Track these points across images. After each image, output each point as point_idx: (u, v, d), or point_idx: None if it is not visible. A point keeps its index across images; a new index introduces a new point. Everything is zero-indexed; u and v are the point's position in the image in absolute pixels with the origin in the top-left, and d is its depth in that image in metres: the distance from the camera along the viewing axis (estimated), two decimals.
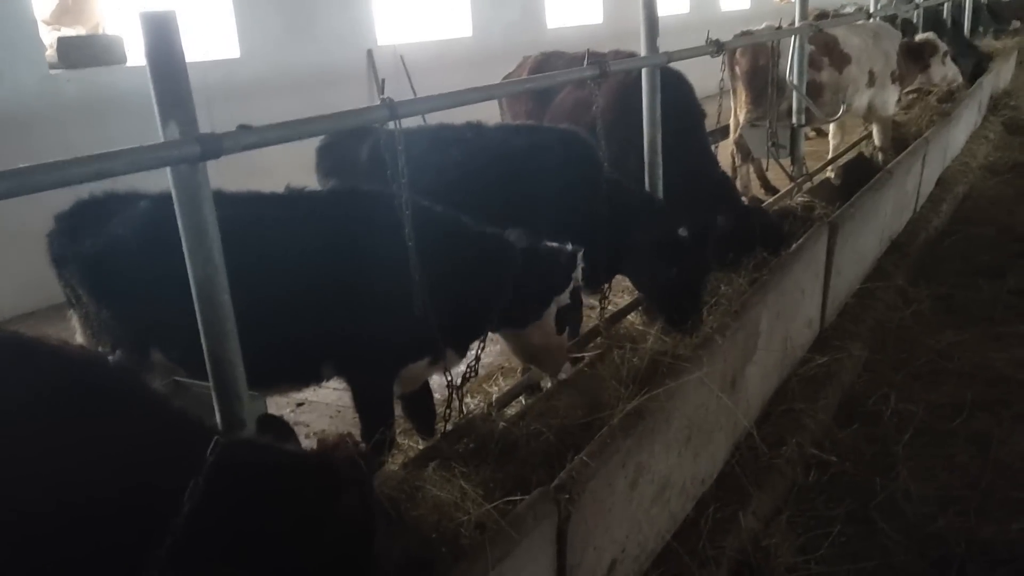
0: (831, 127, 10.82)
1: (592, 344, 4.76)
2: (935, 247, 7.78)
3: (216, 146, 2.62)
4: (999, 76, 14.21)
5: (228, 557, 2.54)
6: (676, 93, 5.51)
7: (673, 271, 4.34)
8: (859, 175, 8.16)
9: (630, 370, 3.82)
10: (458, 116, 5.04)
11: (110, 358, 2.53)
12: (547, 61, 6.65)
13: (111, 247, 3.57)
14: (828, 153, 10.71)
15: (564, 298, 3.97)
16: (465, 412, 4.06)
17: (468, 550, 2.59)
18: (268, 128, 2.85)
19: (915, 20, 13.39)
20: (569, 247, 3.99)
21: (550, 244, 3.99)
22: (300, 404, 5.84)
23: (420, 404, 4.24)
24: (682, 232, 4.30)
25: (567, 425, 3.53)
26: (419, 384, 4.14)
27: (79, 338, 3.84)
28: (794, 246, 5.08)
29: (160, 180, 2.81)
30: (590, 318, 5.10)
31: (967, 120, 11.28)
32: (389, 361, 3.82)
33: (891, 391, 5.02)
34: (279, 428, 2.75)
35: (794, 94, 8.61)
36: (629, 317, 5.20)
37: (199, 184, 2.69)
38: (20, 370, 2.28)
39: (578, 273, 4.00)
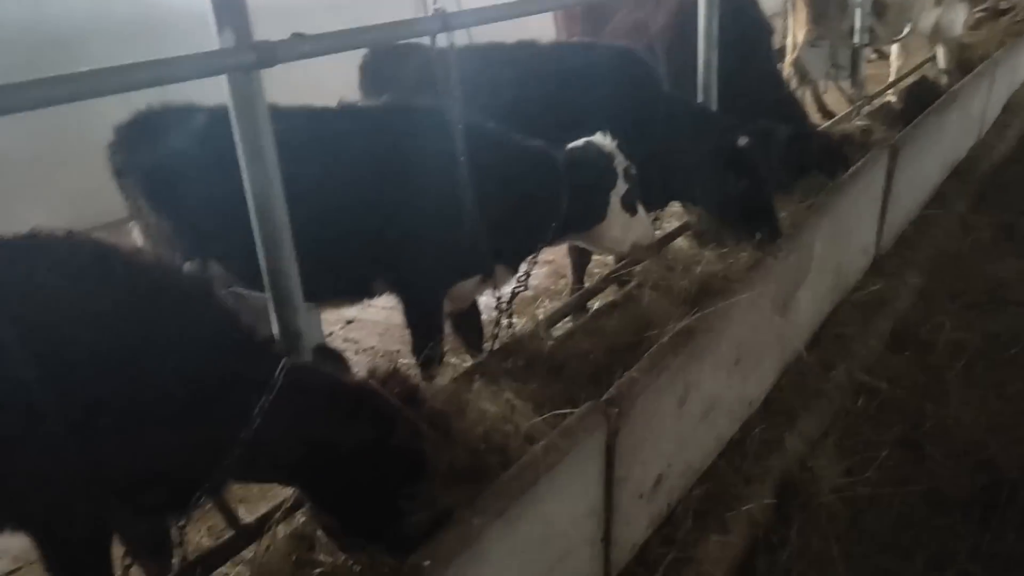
0: (894, 48, 10.36)
1: (640, 267, 4.73)
2: (999, 174, 7.51)
3: (271, 54, 2.60)
4: None
5: (287, 471, 2.66)
6: (740, 9, 5.31)
7: (741, 182, 4.25)
8: (922, 99, 7.82)
9: (680, 291, 3.80)
10: (511, 35, 4.97)
11: (185, 267, 2.59)
12: None
13: (170, 158, 3.61)
14: (889, 76, 10.29)
15: (620, 187, 3.97)
16: (513, 331, 4.09)
17: (517, 459, 2.64)
18: (322, 37, 2.82)
19: None
20: (596, 139, 3.97)
21: (581, 142, 3.96)
22: (349, 321, 5.95)
23: (469, 322, 4.28)
24: (743, 142, 4.19)
25: (616, 344, 3.54)
26: (468, 302, 4.18)
27: None
28: (852, 169, 4.94)
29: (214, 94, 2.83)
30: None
31: None
32: (439, 278, 3.86)
33: (946, 319, 4.92)
34: (334, 357, 2.82)
35: (857, 12, 8.22)
36: (678, 241, 5.15)
37: (254, 93, 2.69)
38: (102, 274, 2.35)
39: (619, 156, 3.98)
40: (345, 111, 3.88)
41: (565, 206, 3.84)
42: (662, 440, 3.11)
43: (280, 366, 2.49)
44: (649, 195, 4.51)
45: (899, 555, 3.32)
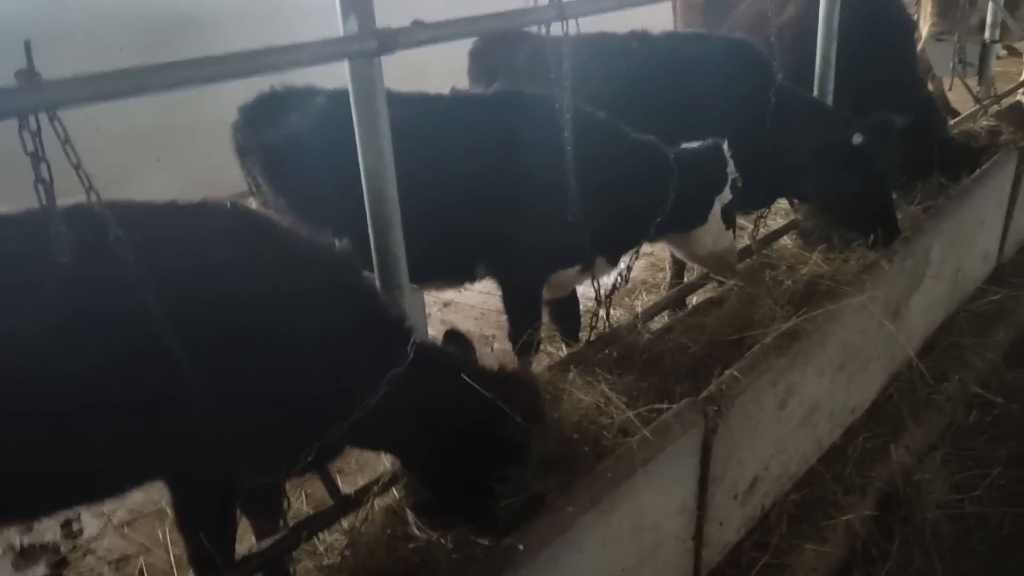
0: None
1: (743, 265, 4.63)
2: None
3: (392, 41, 2.67)
4: None
5: (397, 442, 2.76)
6: (879, 3, 5.11)
7: (856, 180, 4.12)
8: None
9: (785, 291, 3.70)
10: (626, 25, 4.93)
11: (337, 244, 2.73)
12: None
13: (289, 138, 3.75)
14: (1021, 75, 9.71)
15: (725, 195, 3.92)
16: (610, 323, 4.07)
17: (611, 451, 2.64)
18: (441, 25, 2.88)
19: None
20: (712, 141, 3.91)
21: (697, 144, 3.91)
22: (447, 304, 6.05)
23: (567, 311, 4.29)
24: (858, 139, 4.05)
25: (715, 341, 3.48)
26: (568, 291, 4.19)
27: None
28: (978, 172, 4.70)
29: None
30: (741, 239, 4.96)
31: None
32: (541, 265, 3.88)
33: None
34: (461, 340, 2.90)
35: (989, 6, 7.79)
36: (783, 239, 5.01)
37: (374, 78, 2.77)
38: (261, 242, 2.52)
39: (731, 167, 3.91)
40: (457, 98, 3.93)
41: (670, 203, 3.80)
42: (760, 442, 3.06)
43: (410, 343, 2.60)
44: (755, 192, 4.42)
45: None
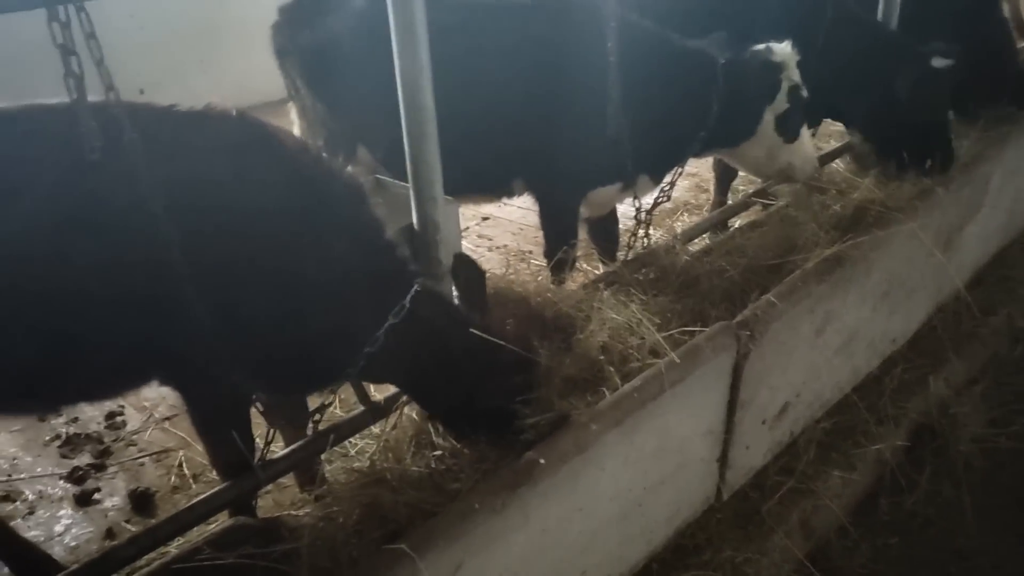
0: None
1: (790, 187, 4.49)
2: None
3: None
4: None
5: (401, 380, 2.76)
6: None
7: (916, 107, 3.91)
8: None
9: (832, 215, 3.58)
10: None
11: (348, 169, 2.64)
12: None
13: (328, 41, 3.67)
14: None
15: (780, 105, 3.70)
16: (649, 243, 4.00)
17: (638, 372, 2.61)
18: None
19: None
20: (773, 46, 3.68)
21: (750, 49, 3.67)
22: (486, 218, 6.02)
23: (605, 230, 4.22)
24: (939, 63, 3.82)
25: (754, 265, 3.40)
26: (607, 209, 4.11)
27: (295, 130, 4.06)
28: None
29: None
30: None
31: None
32: (580, 182, 3.79)
33: None
34: (470, 268, 2.84)
35: None
36: (835, 163, 4.82)
37: None
38: (263, 159, 2.43)
39: (793, 71, 3.70)
40: (498, 4, 3.79)
41: (715, 116, 3.64)
42: (793, 368, 3.01)
43: (413, 286, 2.56)
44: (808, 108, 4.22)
45: None
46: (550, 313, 3.00)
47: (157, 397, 4.11)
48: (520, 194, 3.96)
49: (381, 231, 2.63)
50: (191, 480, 3.59)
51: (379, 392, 3.28)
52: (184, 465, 3.68)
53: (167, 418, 4.01)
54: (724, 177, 5.13)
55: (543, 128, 3.59)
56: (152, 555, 2.63)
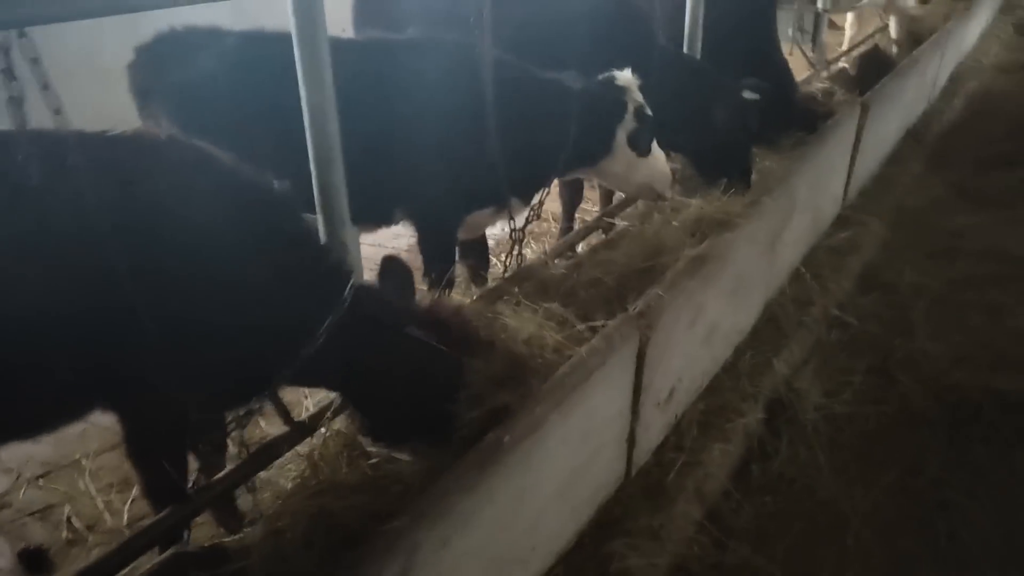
0: (848, 17, 10.83)
1: (631, 209, 4.99)
2: (947, 139, 7.99)
3: None
4: None
5: (337, 380, 2.86)
6: None
7: (732, 132, 4.53)
8: (875, 66, 8.31)
9: (684, 222, 4.07)
10: None
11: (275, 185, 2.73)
12: None
13: (200, 79, 3.68)
14: (843, 44, 10.72)
15: (628, 124, 4.14)
16: (523, 260, 4.30)
17: (558, 365, 2.88)
18: None
19: None
20: (616, 73, 4.15)
21: (598, 78, 4.12)
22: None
23: (476, 252, 4.49)
24: (750, 96, 4.47)
25: (626, 271, 3.79)
26: (481, 231, 4.39)
27: None
28: (829, 122, 5.27)
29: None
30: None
31: (980, 18, 11.31)
32: (456, 207, 4.04)
33: (907, 266, 5.34)
34: (400, 268, 3.00)
35: None
36: None
37: (317, 12, 2.83)
38: (203, 177, 2.48)
39: (635, 94, 4.16)
40: (366, 43, 4.00)
41: (573, 138, 4.03)
42: (676, 356, 3.40)
43: (348, 286, 2.69)
44: None
45: (876, 466, 3.70)
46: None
47: (23, 456, 3.83)
48: (400, 222, 4.14)
49: (315, 237, 2.74)
50: (86, 532, 3.40)
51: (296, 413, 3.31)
52: (73, 519, 3.47)
53: (40, 476, 3.76)
54: (570, 205, 5.57)
55: (421, 160, 3.81)
56: None
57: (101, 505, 3.55)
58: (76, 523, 3.46)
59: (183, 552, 2.71)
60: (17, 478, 3.75)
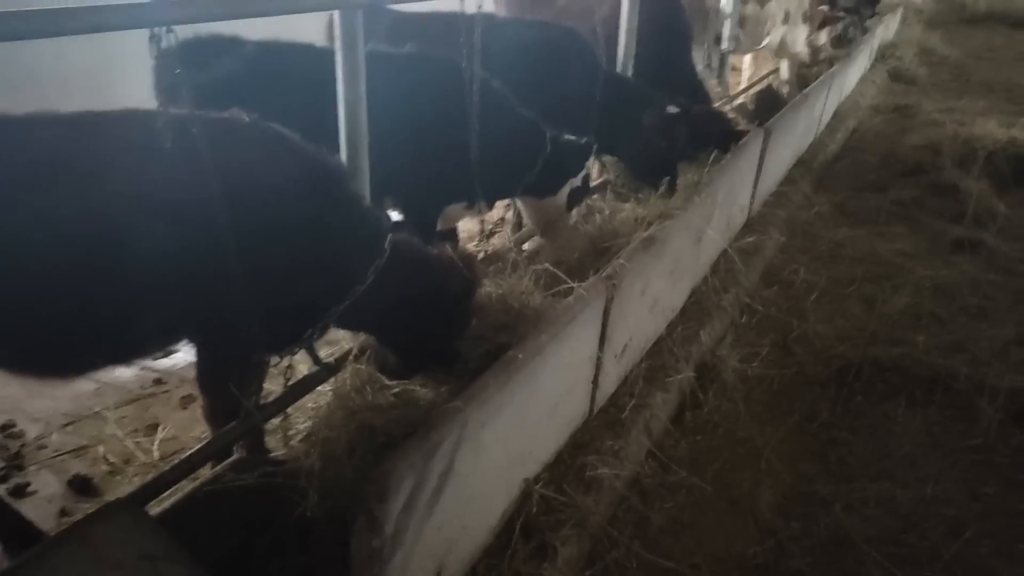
0: (746, 59, 12.12)
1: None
2: (830, 167, 9.21)
3: None
4: (888, 28, 15.90)
5: (374, 320, 3.52)
6: (669, 10, 6.58)
7: (662, 141, 5.45)
8: (769, 103, 9.57)
9: (627, 219, 4.92)
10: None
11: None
12: None
13: (231, 81, 4.26)
14: (740, 83, 11.99)
15: (576, 180, 5.01)
16: (489, 250, 5.06)
17: (543, 314, 3.62)
18: None
19: None
20: (584, 140, 5.02)
21: (571, 137, 4.98)
22: None
23: (451, 238, 5.21)
24: (673, 110, 5.41)
25: (587, 251, 4.60)
26: (455, 223, 5.11)
27: None
28: (740, 143, 6.25)
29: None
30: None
31: (860, 65, 12.80)
32: (437, 200, 4.76)
33: (800, 266, 6.34)
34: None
35: (726, 22, 9.74)
36: (595, 197, 6.27)
37: (358, 26, 3.51)
38: (279, 152, 3.11)
39: (590, 162, 5.05)
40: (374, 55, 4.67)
41: (537, 173, 4.84)
42: (630, 317, 4.19)
43: (388, 238, 3.38)
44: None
45: (781, 413, 4.58)
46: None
47: (47, 410, 4.27)
48: (389, 208, 4.80)
49: (363, 200, 3.41)
50: (123, 465, 3.89)
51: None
52: (107, 457, 3.95)
53: (66, 424, 4.20)
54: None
55: (416, 152, 4.50)
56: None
57: (132, 445, 4.04)
58: (112, 459, 3.93)
59: (244, 457, 3.30)
60: (46, 425, 4.19)
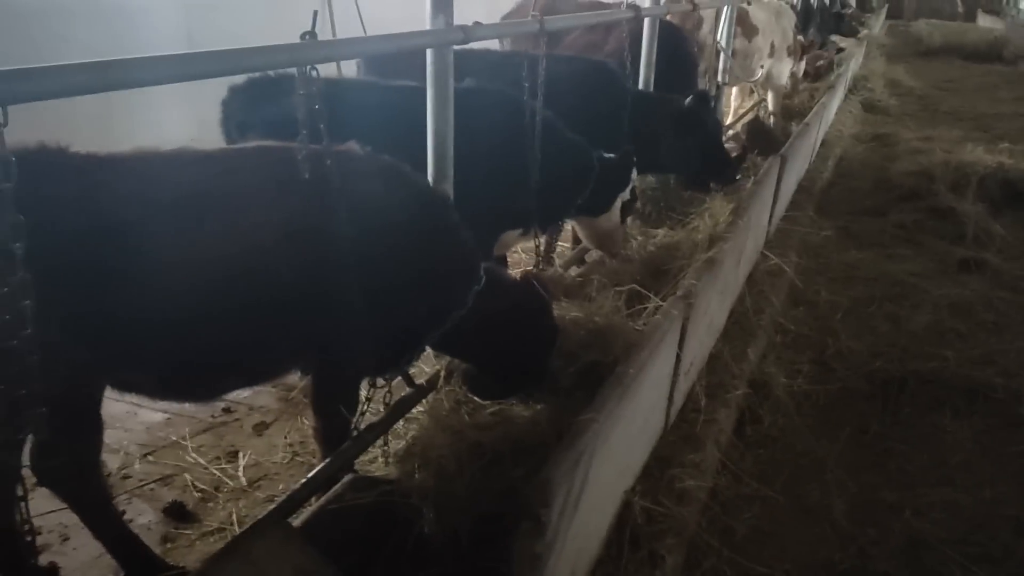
0: (733, 91, 12.54)
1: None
2: (827, 192, 9.56)
3: (471, 35, 3.63)
4: (857, 62, 16.55)
5: (467, 343, 3.65)
6: (676, 45, 6.87)
7: (696, 136, 5.87)
8: (758, 132, 9.98)
9: (692, 231, 5.17)
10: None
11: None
12: (553, 5, 7.70)
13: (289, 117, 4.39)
14: (728, 115, 12.40)
15: (626, 194, 5.22)
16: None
17: (630, 332, 3.78)
18: (494, 26, 3.87)
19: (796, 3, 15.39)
20: (624, 153, 5.24)
21: (610, 155, 5.21)
22: None
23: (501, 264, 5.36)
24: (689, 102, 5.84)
25: (644, 272, 4.78)
26: (509, 248, 5.26)
27: None
28: (761, 171, 6.51)
29: None
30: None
31: (837, 96, 13.32)
32: (498, 223, 4.92)
33: (821, 287, 6.60)
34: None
35: (722, 55, 10.10)
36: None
37: (449, 63, 3.68)
38: (396, 185, 3.26)
39: (634, 174, 5.27)
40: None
41: (590, 193, 5.06)
42: (696, 336, 4.35)
43: (482, 266, 3.52)
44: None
45: (833, 426, 4.77)
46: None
47: (123, 439, 4.29)
48: None
49: (463, 229, 3.55)
50: (213, 492, 3.92)
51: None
52: (195, 485, 3.98)
53: (146, 454, 4.23)
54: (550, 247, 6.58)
55: (474, 189, 4.66)
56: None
57: (217, 472, 4.07)
58: (202, 485, 3.97)
59: (360, 476, 3.38)
60: (126, 456, 4.20)
